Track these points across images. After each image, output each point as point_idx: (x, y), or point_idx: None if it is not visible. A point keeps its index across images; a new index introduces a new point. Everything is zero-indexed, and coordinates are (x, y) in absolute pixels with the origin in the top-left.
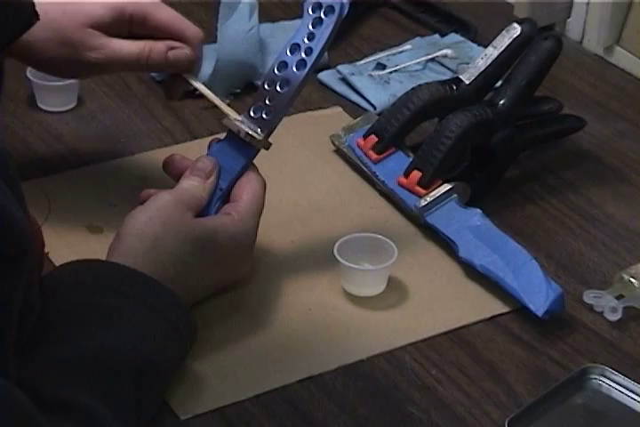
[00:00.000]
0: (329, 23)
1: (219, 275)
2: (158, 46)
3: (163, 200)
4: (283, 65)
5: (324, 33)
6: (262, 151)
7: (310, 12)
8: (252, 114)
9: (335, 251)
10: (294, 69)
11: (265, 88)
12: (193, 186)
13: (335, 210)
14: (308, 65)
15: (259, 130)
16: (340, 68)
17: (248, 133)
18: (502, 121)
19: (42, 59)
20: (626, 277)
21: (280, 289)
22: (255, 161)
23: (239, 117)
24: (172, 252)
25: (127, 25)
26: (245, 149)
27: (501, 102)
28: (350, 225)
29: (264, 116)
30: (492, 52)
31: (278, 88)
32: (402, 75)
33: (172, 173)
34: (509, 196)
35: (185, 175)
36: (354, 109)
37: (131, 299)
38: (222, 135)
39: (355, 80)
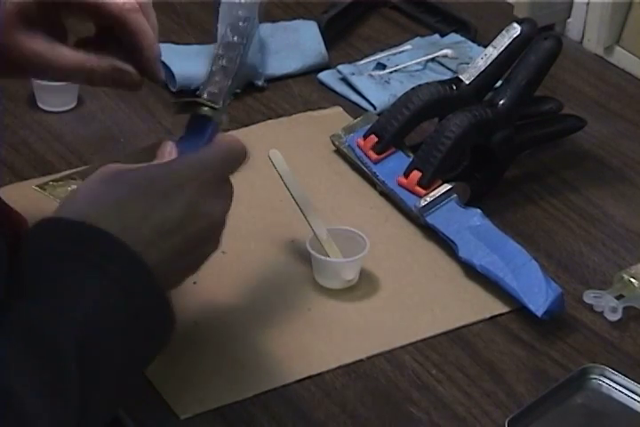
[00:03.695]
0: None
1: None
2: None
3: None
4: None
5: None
6: (262, 152)
7: None
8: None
9: (308, 244)
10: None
11: (212, 70)
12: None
13: (335, 210)
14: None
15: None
16: (340, 68)
17: (207, 105)
18: (502, 121)
19: None
20: (626, 277)
21: (280, 289)
22: (255, 160)
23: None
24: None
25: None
26: (205, 128)
27: (501, 102)
28: (350, 225)
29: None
30: (492, 51)
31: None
32: (402, 75)
33: None
34: (509, 196)
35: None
36: (354, 109)
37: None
38: None
39: (355, 80)
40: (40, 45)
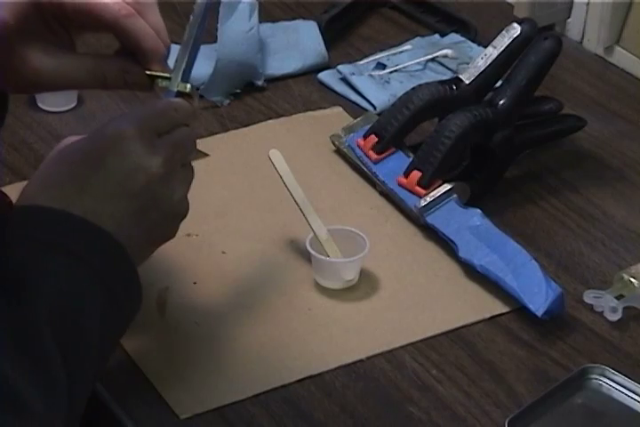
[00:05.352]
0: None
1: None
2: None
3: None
4: None
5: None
6: (262, 152)
7: None
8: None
9: (308, 244)
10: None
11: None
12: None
13: (335, 210)
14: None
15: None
16: (340, 68)
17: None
18: (502, 121)
19: None
20: (626, 277)
21: (280, 289)
22: (255, 160)
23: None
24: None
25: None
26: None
27: (501, 102)
28: (350, 225)
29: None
30: (492, 52)
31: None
32: (402, 75)
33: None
34: (509, 196)
35: None
36: (354, 109)
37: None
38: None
39: (355, 80)
40: (47, 58)
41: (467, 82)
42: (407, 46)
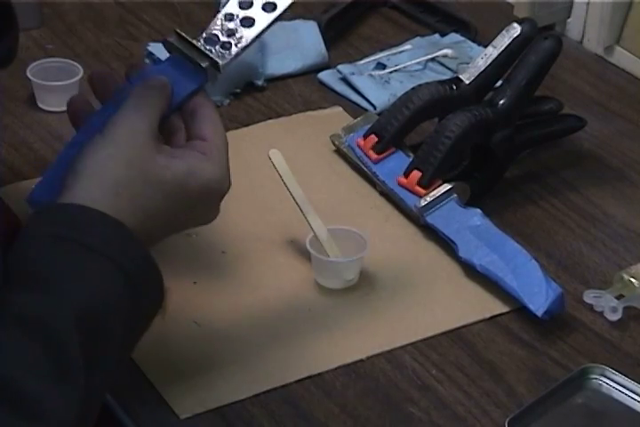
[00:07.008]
0: None
1: (184, 223)
2: None
3: (123, 130)
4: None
5: None
6: (262, 152)
7: None
8: (204, 43)
9: (308, 244)
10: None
11: (222, 22)
12: (148, 94)
13: (335, 210)
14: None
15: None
16: (340, 67)
17: (209, 57)
18: (502, 121)
19: None
20: (626, 277)
21: (280, 289)
22: (255, 160)
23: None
24: (134, 198)
25: None
26: (195, 76)
27: (501, 102)
28: (350, 225)
29: (220, 49)
30: (492, 51)
31: (241, 27)
32: (402, 75)
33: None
34: (509, 196)
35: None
36: (354, 109)
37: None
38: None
39: (355, 80)
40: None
41: (467, 82)
42: (407, 46)
